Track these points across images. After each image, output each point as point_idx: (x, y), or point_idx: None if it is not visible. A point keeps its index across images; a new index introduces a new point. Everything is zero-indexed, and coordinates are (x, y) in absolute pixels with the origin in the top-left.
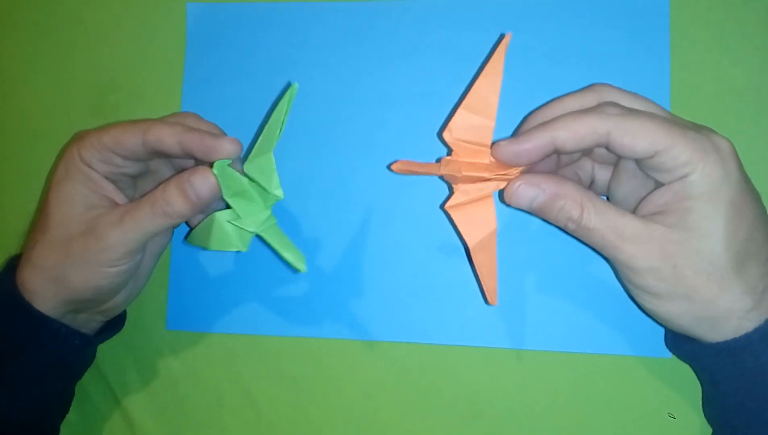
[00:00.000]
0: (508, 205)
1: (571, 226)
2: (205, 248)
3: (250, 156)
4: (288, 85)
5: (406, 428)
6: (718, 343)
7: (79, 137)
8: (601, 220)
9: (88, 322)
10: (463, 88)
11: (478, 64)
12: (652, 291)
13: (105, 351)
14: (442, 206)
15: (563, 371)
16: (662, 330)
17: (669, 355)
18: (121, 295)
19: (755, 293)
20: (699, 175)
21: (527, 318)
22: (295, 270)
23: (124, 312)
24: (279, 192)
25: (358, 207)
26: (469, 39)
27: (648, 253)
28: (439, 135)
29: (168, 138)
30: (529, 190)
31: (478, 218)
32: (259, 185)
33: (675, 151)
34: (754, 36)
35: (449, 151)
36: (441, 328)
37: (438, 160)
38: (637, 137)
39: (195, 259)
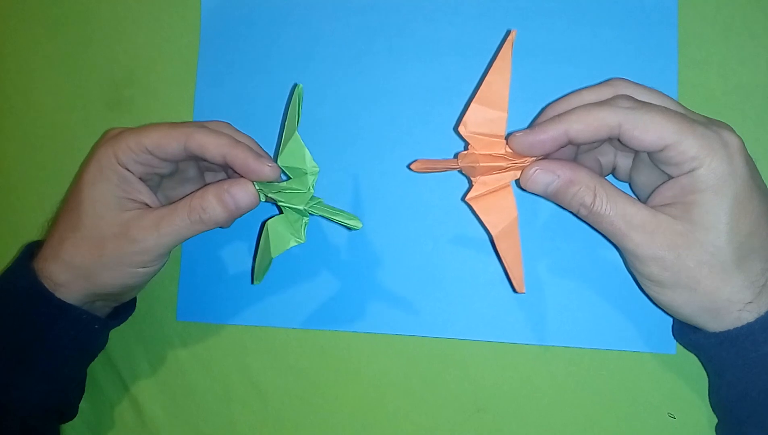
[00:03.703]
0: (524, 190)
1: (583, 212)
2: (269, 264)
3: (279, 152)
4: (294, 86)
5: (411, 420)
6: (721, 333)
7: (112, 137)
8: (612, 207)
9: (102, 308)
10: (473, 83)
11: (488, 60)
12: (656, 280)
13: (116, 341)
14: (463, 198)
15: (568, 366)
16: (667, 326)
17: (674, 351)
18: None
19: (755, 287)
20: (705, 170)
21: (533, 313)
22: (351, 229)
23: (135, 298)
24: (314, 166)
25: (367, 202)
26: (480, 35)
27: (653, 243)
28: (455, 130)
29: (213, 148)
30: (545, 176)
31: (499, 207)
32: (294, 172)
33: (683, 146)
34: (762, 34)
35: (466, 146)
36: (448, 322)
37: (455, 156)
38: (647, 131)
39: (206, 251)
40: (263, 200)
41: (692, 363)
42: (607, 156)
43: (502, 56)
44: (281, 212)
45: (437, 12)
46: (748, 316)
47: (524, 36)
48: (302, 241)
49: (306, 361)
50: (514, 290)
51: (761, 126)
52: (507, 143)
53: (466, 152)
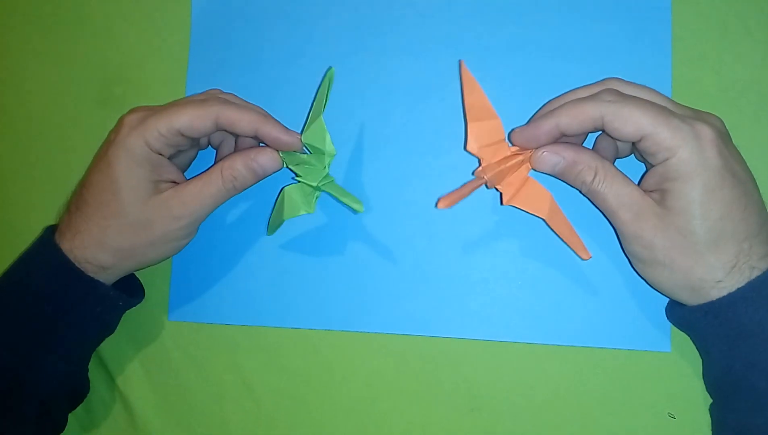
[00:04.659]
0: (535, 170)
1: (584, 189)
2: (280, 223)
3: (304, 128)
4: (328, 69)
5: (404, 420)
6: (703, 305)
7: (139, 122)
8: (607, 186)
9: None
10: None
11: (481, 59)
12: (639, 257)
13: (107, 341)
14: (501, 204)
15: (562, 364)
16: (662, 324)
17: (668, 349)
18: None
19: (726, 267)
20: (676, 160)
21: (527, 311)
22: (354, 211)
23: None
24: (332, 149)
25: (360, 200)
26: (473, 31)
27: (636, 222)
28: (465, 149)
29: (246, 124)
30: (552, 157)
31: (534, 195)
32: (314, 150)
33: (658, 137)
34: (756, 30)
35: (479, 162)
36: (441, 321)
37: (473, 174)
38: (626, 123)
39: (198, 250)
40: (284, 166)
41: (687, 361)
42: None
43: (466, 80)
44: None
45: (430, 8)
46: (717, 293)
47: (519, 32)
48: (311, 212)
49: (299, 361)
50: (581, 259)
51: (756, 121)
52: (511, 138)
53: (483, 166)
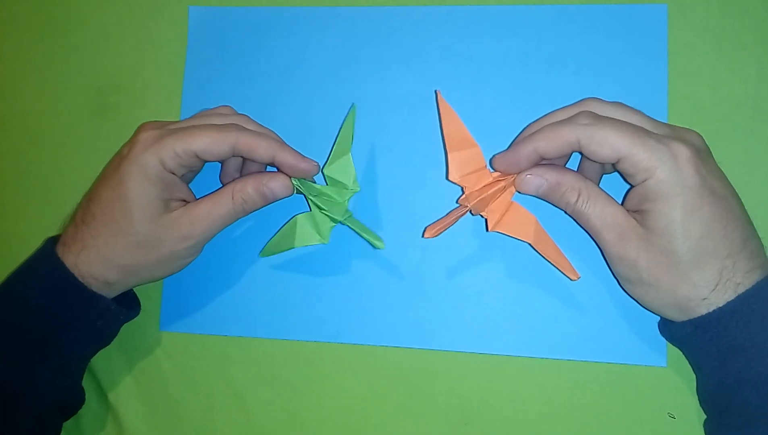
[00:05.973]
0: (520, 192)
1: (568, 209)
2: (288, 249)
3: (328, 162)
4: (351, 106)
5: (397, 434)
6: (693, 320)
7: (155, 141)
8: (591, 207)
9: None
10: (462, 91)
11: (477, 71)
12: (626, 277)
13: None
14: (487, 231)
15: (556, 379)
16: (657, 339)
17: (664, 363)
18: None
19: (710, 284)
20: (654, 181)
21: (521, 325)
22: (375, 247)
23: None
24: (356, 186)
25: (356, 211)
26: (469, 44)
27: (620, 242)
28: (447, 179)
29: (263, 151)
30: (536, 180)
31: (519, 220)
32: (334, 183)
33: (635, 158)
34: (752, 45)
35: (462, 190)
36: (434, 334)
37: (457, 203)
38: (602, 145)
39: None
40: (295, 193)
41: (682, 376)
42: None
43: (444, 110)
44: (309, 204)
45: (426, 20)
46: (705, 309)
47: (515, 46)
48: (326, 242)
49: (291, 373)
50: (570, 279)
51: (751, 136)
52: (492, 166)
53: (466, 194)
